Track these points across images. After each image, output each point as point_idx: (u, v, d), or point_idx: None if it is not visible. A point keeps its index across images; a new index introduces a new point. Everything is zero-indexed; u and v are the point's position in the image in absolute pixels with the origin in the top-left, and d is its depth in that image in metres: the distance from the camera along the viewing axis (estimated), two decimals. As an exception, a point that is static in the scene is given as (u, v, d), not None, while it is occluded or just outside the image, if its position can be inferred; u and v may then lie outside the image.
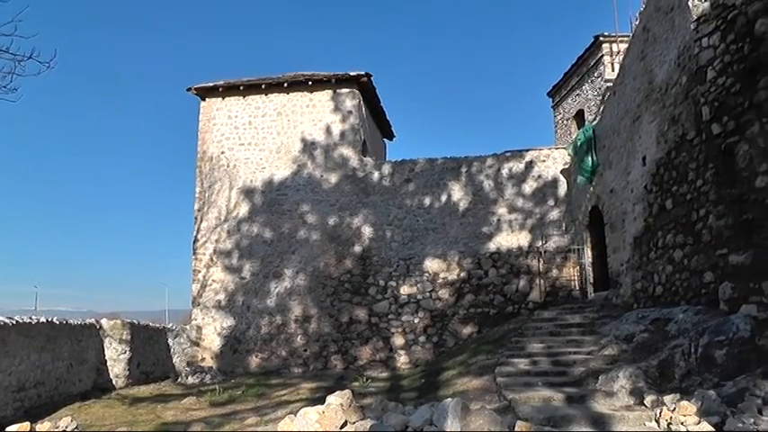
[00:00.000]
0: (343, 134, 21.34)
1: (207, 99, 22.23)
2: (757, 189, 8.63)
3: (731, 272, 9.16)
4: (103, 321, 17.34)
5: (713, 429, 6.83)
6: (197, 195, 21.80)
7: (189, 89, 22.16)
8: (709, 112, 9.79)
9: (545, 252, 19.84)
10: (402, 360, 19.76)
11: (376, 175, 21.11)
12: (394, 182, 20.99)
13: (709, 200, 10.17)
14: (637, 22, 14.50)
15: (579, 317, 15.06)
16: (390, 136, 27.32)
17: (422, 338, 19.97)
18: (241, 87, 21.94)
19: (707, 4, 9.85)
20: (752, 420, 6.57)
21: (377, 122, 25.06)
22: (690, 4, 10.31)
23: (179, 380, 18.68)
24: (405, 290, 20.34)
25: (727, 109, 9.34)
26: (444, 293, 20.17)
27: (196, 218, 21.66)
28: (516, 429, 6.65)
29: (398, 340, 20.06)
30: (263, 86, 21.81)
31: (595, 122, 18.94)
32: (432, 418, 7.12)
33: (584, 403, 8.90)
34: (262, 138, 21.71)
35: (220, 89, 21.98)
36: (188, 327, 21.38)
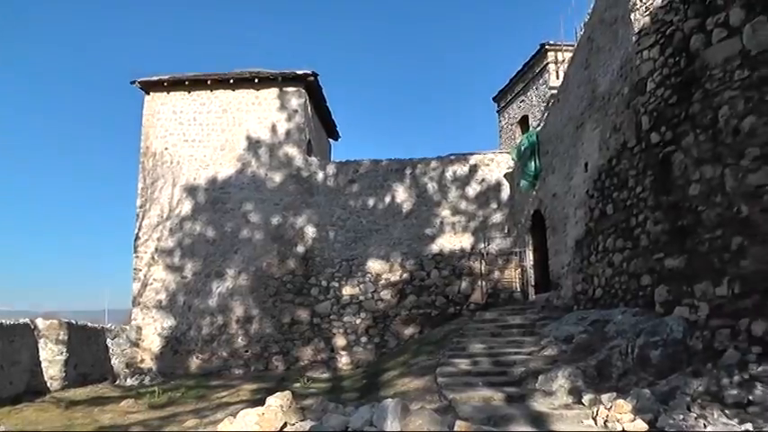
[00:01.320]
0: (288, 133, 21.36)
1: (151, 93, 21.89)
2: (691, 197, 9.15)
3: (666, 275, 9.67)
4: (39, 321, 16.82)
5: (647, 426, 7.20)
6: (139, 192, 21.46)
7: (133, 82, 21.78)
8: (649, 122, 10.31)
9: (487, 254, 20.36)
10: (344, 361, 19.92)
11: (320, 175, 21.22)
12: (338, 182, 21.15)
13: (647, 206, 10.69)
14: (582, 33, 15.07)
15: (520, 318, 15.46)
16: (335, 136, 27.46)
17: (363, 339, 20.19)
18: (186, 82, 21.70)
19: (647, 19, 10.36)
20: (681, 417, 7.01)
21: (322, 122, 25.16)
22: (632, 17, 10.82)
23: (117, 382, 18.37)
24: (347, 290, 20.53)
25: (665, 119, 9.86)
26: (387, 294, 20.45)
27: (138, 215, 21.32)
28: (456, 429, 6.75)
29: (340, 341, 20.22)
30: (208, 82, 21.63)
31: (539, 128, 19.57)
32: (371, 418, 7.16)
33: (524, 402, 9.10)
34: (206, 134, 21.52)
35: (165, 83, 21.69)
36: (128, 327, 21.00)
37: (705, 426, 6.69)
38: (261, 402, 8.42)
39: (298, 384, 14.90)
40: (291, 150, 21.28)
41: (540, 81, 23.51)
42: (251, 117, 21.48)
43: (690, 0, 9.32)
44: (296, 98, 21.53)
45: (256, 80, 21.47)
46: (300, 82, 21.54)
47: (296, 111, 21.42)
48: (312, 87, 21.94)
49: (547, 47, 22.74)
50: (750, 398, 7.02)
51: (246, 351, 20.21)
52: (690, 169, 9.20)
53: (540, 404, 8.93)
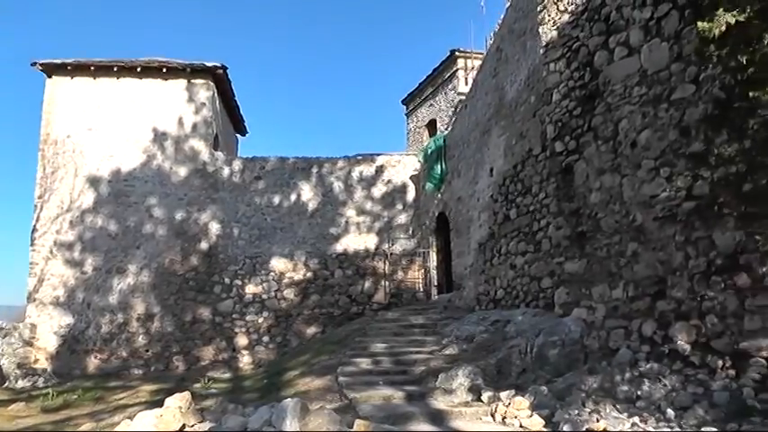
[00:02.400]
0: (195, 126, 20.88)
1: (54, 77, 20.79)
2: (591, 204, 9.75)
3: (566, 278, 10.24)
4: None
5: (543, 421, 7.56)
6: (38, 181, 20.29)
7: (34, 64, 20.51)
8: (554, 131, 10.86)
9: (391, 254, 20.71)
10: (245, 360, 19.70)
11: (226, 170, 20.89)
12: (244, 178, 20.90)
13: (550, 212, 11.27)
14: (491, 42, 15.59)
15: (422, 318, 15.71)
16: (243, 131, 27.05)
17: (266, 338, 20.05)
18: (92, 68, 20.70)
19: (555, 33, 10.93)
20: (576, 412, 7.43)
21: (230, 117, 24.73)
22: (540, 30, 11.34)
23: (7, 384, 17.29)
24: (250, 289, 20.33)
25: (569, 129, 10.44)
26: (290, 293, 20.40)
27: (36, 206, 20.16)
28: (355, 428, 6.82)
29: (242, 340, 19.99)
30: (114, 69, 20.75)
31: (447, 132, 20.08)
32: (271, 418, 7.13)
33: (424, 401, 9.24)
34: (111, 124, 20.64)
35: (69, 67, 20.64)
36: (21, 325, 19.76)
37: (598, 420, 7.08)
38: (160, 404, 8.18)
39: (198, 385, 14.60)
40: (198, 144, 20.82)
41: (450, 86, 24.12)
42: (158, 108, 20.80)
43: (595, 18, 9.91)
44: (204, 91, 21.08)
45: (164, 70, 20.82)
46: (209, 74, 21.11)
47: (204, 104, 20.97)
48: (221, 80, 21.55)
49: (457, 53, 23.39)
50: (639, 393, 7.55)
51: (147, 350, 19.59)
52: (591, 178, 9.80)
53: (439, 402, 9.09)
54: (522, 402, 7.99)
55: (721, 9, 4.52)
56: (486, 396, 8.81)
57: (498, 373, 9.84)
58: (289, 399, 7.39)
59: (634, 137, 8.89)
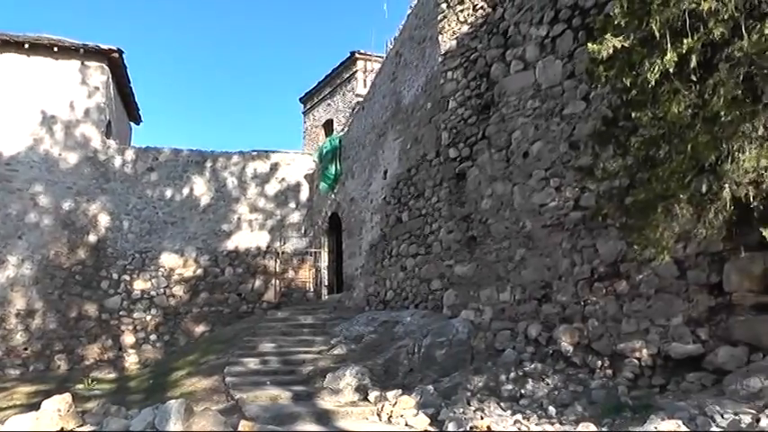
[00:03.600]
0: (87, 111, 19.62)
1: (-75, 46, 18.82)
2: (482, 210, 10.13)
3: (455, 281, 10.57)
4: None
5: (429, 420, 7.70)
6: None
7: None
8: (448, 138, 11.19)
9: (283, 253, 20.52)
10: (131, 360, 18.80)
11: (118, 159, 19.87)
12: (136, 169, 19.98)
13: (441, 215, 11.57)
14: (391, 46, 15.75)
15: (312, 318, 15.71)
16: (137, 120, 25.77)
17: (153, 337, 19.28)
18: (-28, 39, 18.96)
19: (454, 43, 11.25)
20: (461, 410, 7.64)
21: (125, 103, 23.40)
22: (440, 39, 11.62)
23: None
24: (139, 285, 19.46)
25: (463, 137, 10.79)
26: (179, 290, 19.76)
27: None
28: (240, 429, 6.75)
29: (129, 339, 19.09)
30: (-2, 41, 19.02)
31: (343, 133, 20.17)
32: (154, 421, 6.93)
33: (311, 401, 9.25)
34: (-9, 101, 18.93)
35: (-57, 37, 18.78)
36: None
37: (482, 417, 7.29)
38: (37, 407, 7.74)
39: (81, 386, 13.87)
40: (90, 130, 19.60)
41: (348, 87, 24.21)
42: (47, 89, 19.24)
43: (493, 32, 10.30)
44: (98, 74, 19.87)
45: (55, 49, 19.33)
46: (104, 57, 19.90)
47: (97, 88, 19.79)
48: (116, 64, 20.40)
49: (357, 55, 23.53)
50: (522, 392, 7.91)
51: (26, 349, 18.18)
52: (483, 185, 10.17)
53: (326, 402, 9.13)
54: (409, 401, 8.13)
55: (609, 34, 4.78)
56: (372, 396, 8.90)
57: (386, 373, 9.95)
58: (173, 400, 7.17)
59: (526, 147, 9.31)
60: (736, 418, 5.59)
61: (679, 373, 6.89)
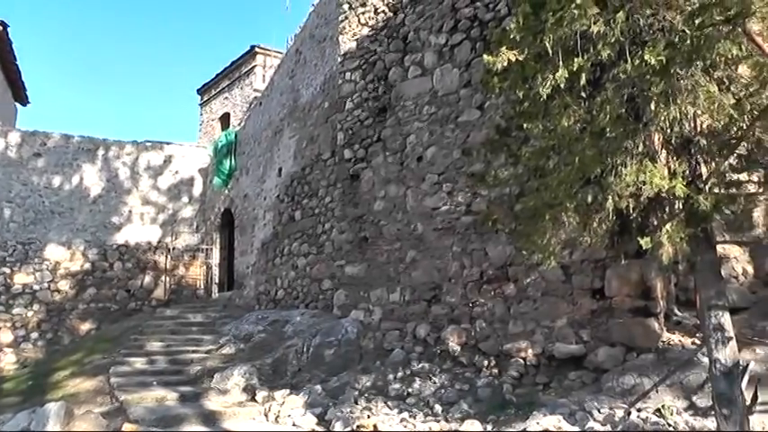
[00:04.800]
0: (-34, 89, 18.09)
1: None
2: (375, 211, 10.14)
3: (346, 281, 10.52)
4: None
5: (316, 419, 7.66)
6: None
7: None
8: (344, 138, 11.12)
9: (174, 249, 19.75)
10: (9, 360, 17.37)
11: (1, 143, 18.40)
12: (21, 154, 18.48)
13: (334, 216, 11.49)
14: (292, 43, 15.56)
15: (201, 316, 15.22)
16: (24, 101, 23.94)
17: (35, 335, 17.85)
18: None
19: (354, 44, 11.19)
20: (349, 409, 7.62)
21: (9, 82, 21.72)
22: (340, 39, 11.54)
23: None
24: (20, 279, 17.97)
25: (359, 138, 10.75)
26: (65, 285, 18.47)
27: None
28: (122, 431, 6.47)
29: (6, 337, 17.59)
30: None
31: (239, 128, 19.70)
32: (30, 425, 6.59)
33: (198, 401, 9.00)
34: None
35: None
36: None
37: (369, 416, 7.33)
38: None
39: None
40: (-31, 110, 18.03)
41: (247, 81, 23.61)
42: None
43: (393, 36, 10.34)
44: (-21, 49, 18.34)
45: None
46: None
47: (-25, 61, 18.23)
48: (0, 39, 18.89)
49: (257, 49, 22.96)
50: (410, 390, 7.96)
51: None
52: (377, 186, 10.19)
53: (213, 403, 8.88)
54: (297, 401, 8.07)
55: (505, 47, 4.82)
56: (260, 396, 8.75)
57: (274, 372, 9.78)
58: (52, 403, 6.78)
59: (421, 152, 9.41)
60: (611, 412, 6.01)
61: (562, 372, 7.22)
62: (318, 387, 8.56)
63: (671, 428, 5.63)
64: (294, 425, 7.64)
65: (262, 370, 9.72)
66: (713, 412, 4.82)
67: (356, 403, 7.88)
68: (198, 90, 27.36)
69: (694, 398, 5.97)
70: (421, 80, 9.60)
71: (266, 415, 8.13)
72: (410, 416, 7.27)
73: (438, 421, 7.01)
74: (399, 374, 8.37)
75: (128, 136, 31.12)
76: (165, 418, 7.95)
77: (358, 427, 7.05)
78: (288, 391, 8.58)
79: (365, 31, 10.99)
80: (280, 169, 14.81)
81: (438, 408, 7.34)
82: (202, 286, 19.77)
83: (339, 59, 11.55)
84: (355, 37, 11.19)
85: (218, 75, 25.65)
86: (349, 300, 10.34)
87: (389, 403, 7.75)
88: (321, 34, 13.20)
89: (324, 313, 11.11)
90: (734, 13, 3.98)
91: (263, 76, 22.38)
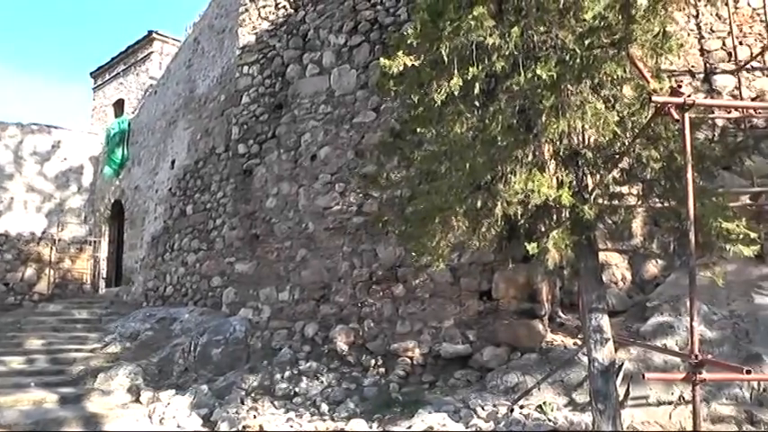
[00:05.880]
0: None
1: None
2: (267, 209, 9.87)
3: (236, 278, 10.18)
4: None
5: (201, 421, 7.35)
6: None
7: None
8: (239, 133, 10.73)
9: (59, 240, 18.43)
10: None
11: None
12: None
13: (226, 212, 11.09)
14: (190, 32, 14.92)
15: (87, 312, 14.35)
16: None
17: None
18: None
19: (253, 38, 10.81)
20: (235, 410, 7.36)
21: None
22: (239, 32, 11.12)
23: None
24: None
25: (253, 134, 10.42)
26: (-68, 276, 16.83)
27: None
28: None
29: None
30: None
31: (133, 116, 18.75)
32: None
33: (79, 403, 8.46)
34: None
35: None
36: None
37: (255, 417, 7.12)
38: None
39: None
40: None
41: (143, 68, 22.39)
42: None
43: (293, 33, 10.11)
44: None
45: None
46: None
47: None
48: None
49: (155, 35, 21.81)
50: (296, 390, 7.79)
51: None
52: (269, 183, 9.93)
53: (95, 404, 8.38)
54: (182, 402, 7.76)
55: (402, 51, 4.78)
56: (145, 397, 8.35)
57: (160, 372, 9.39)
58: None
59: (315, 150, 9.29)
60: (495, 409, 6.13)
61: (448, 371, 7.33)
62: (205, 387, 8.23)
63: (551, 423, 5.79)
64: (179, 426, 7.34)
65: (147, 370, 9.32)
66: (590, 407, 4.99)
67: (242, 403, 7.65)
68: (91, 73, 25.68)
69: (574, 394, 6.18)
70: (318, 79, 9.47)
71: (150, 417, 7.74)
72: (296, 415, 7.12)
73: (324, 420, 6.91)
74: (287, 374, 8.19)
75: (12, 117, 28.85)
76: (41, 422, 7.49)
77: (244, 427, 6.87)
78: (174, 391, 8.25)
79: (265, 25, 10.69)
80: (173, 161, 14.20)
81: (324, 407, 7.24)
82: (89, 281, 18.56)
83: (237, 52, 11.17)
84: (255, 30, 10.84)
85: (113, 59, 24.14)
86: (238, 298, 10.03)
87: (276, 403, 7.57)
88: (221, 25, 12.74)
89: (213, 311, 10.76)
90: (619, 37, 4.16)
91: (160, 63, 21.29)
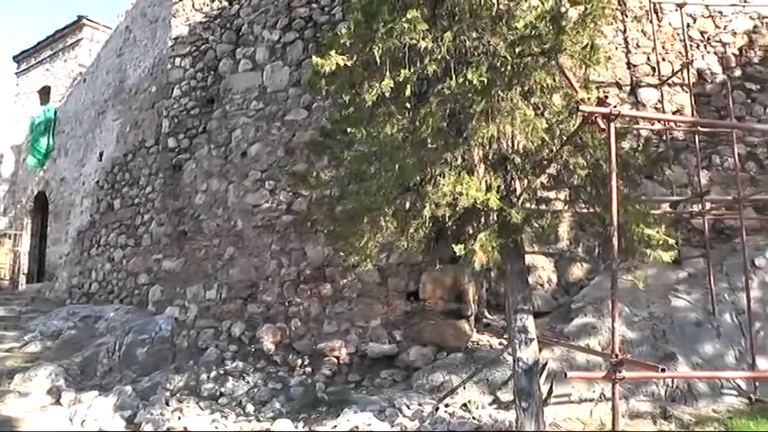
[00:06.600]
0: None
1: None
2: (196, 205, 9.59)
3: (163, 276, 9.83)
4: None
5: (125, 423, 7.07)
6: None
7: None
8: (169, 127, 10.37)
9: (-23, 232, 17.55)
10: None
11: None
12: None
13: (154, 207, 10.72)
14: (122, 19, 14.35)
15: (4, 309, 13.65)
16: None
17: None
18: None
19: (186, 29, 10.46)
20: (159, 411, 7.10)
21: None
22: (172, 22, 10.74)
23: None
24: None
25: (184, 128, 10.09)
26: None
27: None
28: None
29: None
30: None
31: (60, 104, 17.95)
32: None
33: None
34: None
35: None
36: None
37: (179, 418, 6.91)
38: None
39: None
40: None
41: (72, 54, 21.34)
42: None
43: (227, 26, 9.85)
44: None
45: None
46: None
47: None
48: None
49: (85, 21, 20.78)
50: (222, 390, 7.60)
51: None
52: (199, 179, 9.65)
53: (11, 407, 7.89)
54: (105, 404, 7.45)
55: (335, 51, 4.72)
56: (66, 398, 7.93)
57: (83, 373, 8.97)
58: None
59: (245, 147, 9.08)
60: (420, 408, 6.16)
61: (374, 371, 7.32)
62: (129, 388, 7.89)
63: (476, 422, 5.85)
64: (101, 429, 7.04)
65: (69, 370, 8.86)
66: (514, 406, 5.06)
67: (167, 404, 7.39)
68: (14, 57, 24.29)
69: (499, 393, 6.28)
70: (251, 74, 9.27)
71: (71, 419, 7.38)
72: (222, 416, 6.94)
73: (249, 421, 6.77)
74: (213, 374, 7.97)
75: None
76: (-66, 428, 6.95)
77: (168, 429, 6.68)
78: (97, 392, 7.89)
79: (199, 17, 10.37)
80: (101, 153, 13.64)
81: (250, 407, 7.10)
82: (8, 276, 17.75)
83: (170, 43, 10.78)
84: (188, 22, 10.50)
85: (39, 43, 22.84)
86: (165, 296, 9.70)
87: (201, 404, 7.34)
88: (153, 14, 12.32)
89: (139, 309, 10.41)
90: (549, 47, 4.21)
91: (90, 50, 20.33)
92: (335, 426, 6.10)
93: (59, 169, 16.07)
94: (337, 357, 7.59)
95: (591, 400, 5.97)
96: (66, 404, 7.83)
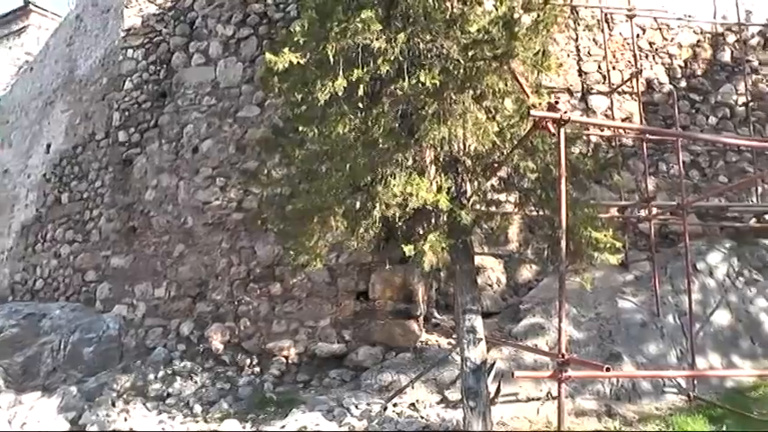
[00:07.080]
0: None
1: None
2: (146, 201, 9.37)
3: (111, 273, 9.59)
4: None
5: (69, 425, 6.92)
6: None
7: None
8: (120, 120, 10.11)
9: None
10: None
11: None
12: None
13: (104, 202, 10.42)
14: (73, 7, 13.93)
15: (-62, 306, 13.10)
16: None
17: None
18: None
19: (139, 20, 10.22)
20: (105, 412, 6.96)
21: None
22: (124, 13, 10.45)
23: None
24: None
25: (135, 121, 9.85)
26: None
27: None
28: None
29: None
30: None
31: (4, 93, 17.35)
32: None
33: None
34: None
35: None
36: None
37: (126, 419, 6.81)
38: None
39: None
40: None
41: (17, 41, 20.65)
42: None
43: (181, 19, 9.65)
44: None
45: None
46: None
47: None
48: None
49: (32, 7, 20.17)
50: (170, 391, 7.47)
51: None
52: (149, 175, 9.44)
53: None
54: (48, 405, 7.29)
55: (288, 48, 4.68)
56: (6, 400, 7.70)
57: (25, 373, 8.69)
58: None
59: (197, 143, 8.94)
60: (368, 407, 6.20)
61: (323, 370, 7.34)
62: (74, 388, 7.71)
63: (423, 420, 5.91)
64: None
65: (10, 370, 8.59)
66: (462, 405, 5.12)
67: (114, 405, 7.25)
68: (-48, 41, 23.39)
69: (447, 392, 6.34)
70: (204, 69, 9.12)
71: (10, 422, 7.19)
72: (169, 417, 6.88)
73: (197, 422, 6.71)
74: (160, 374, 7.85)
75: None
76: None
77: (114, 430, 6.63)
78: (39, 393, 7.72)
79: (152, 8, 10.15)
80: (48, 145, 13.15)
81: (198, 408, 7.00)
82: (-57, 271, 16.88)
83: (122, 34, 10.48)
84: (141, 13, 10.25)
85: (-17, 28, 22.13)
86: (113, 294, 9.45)
87: (148, 405, 7.24)
88: (105, 4, 11.91)
89: (86, 307, 10.04)
90: (501, 52, 4.25)
91: (38, 38, 19.69)
92: (284, 426, 6.08)
93: (2, 161, 15.48)
94: (286, 357, 7.56)
95: (538, 399, 6.08)
96: (5, 406, 7.59)
